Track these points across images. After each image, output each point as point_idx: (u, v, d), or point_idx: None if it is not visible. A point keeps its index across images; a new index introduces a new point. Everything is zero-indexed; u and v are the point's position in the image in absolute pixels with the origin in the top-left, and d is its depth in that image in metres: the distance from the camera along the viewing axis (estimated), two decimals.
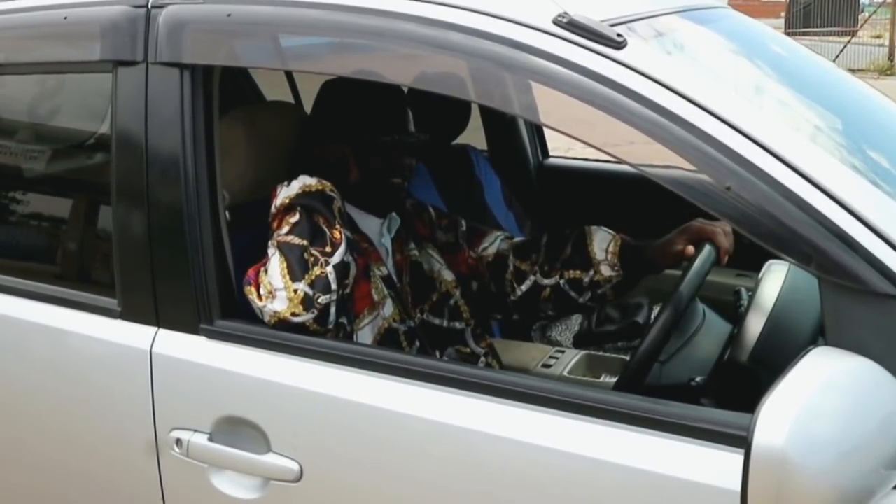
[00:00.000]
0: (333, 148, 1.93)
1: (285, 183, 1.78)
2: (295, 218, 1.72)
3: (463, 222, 2.16)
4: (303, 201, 1.74)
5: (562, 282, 1.99)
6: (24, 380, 1.91)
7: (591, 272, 1.96)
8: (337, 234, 1.72)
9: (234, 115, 1.98)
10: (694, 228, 1.86)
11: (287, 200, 1.75)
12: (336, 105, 1.97)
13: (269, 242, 1.72)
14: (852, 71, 14.90)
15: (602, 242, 1.97)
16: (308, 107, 2.08)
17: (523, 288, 2.04)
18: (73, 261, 2.06)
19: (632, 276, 1.97)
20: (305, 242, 1.68)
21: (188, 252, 1.65)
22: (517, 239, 2.14)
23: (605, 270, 1.95)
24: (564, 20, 1.43)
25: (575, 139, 1.42)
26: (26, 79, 2.05)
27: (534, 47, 1.41)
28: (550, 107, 1.48)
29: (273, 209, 1.77)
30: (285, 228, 1.71)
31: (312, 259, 1.66)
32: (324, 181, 1.78)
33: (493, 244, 2.11)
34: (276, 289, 1.63)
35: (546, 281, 2.01)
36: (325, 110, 2.00)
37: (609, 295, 1.99)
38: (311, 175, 1.79)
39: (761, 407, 1.13)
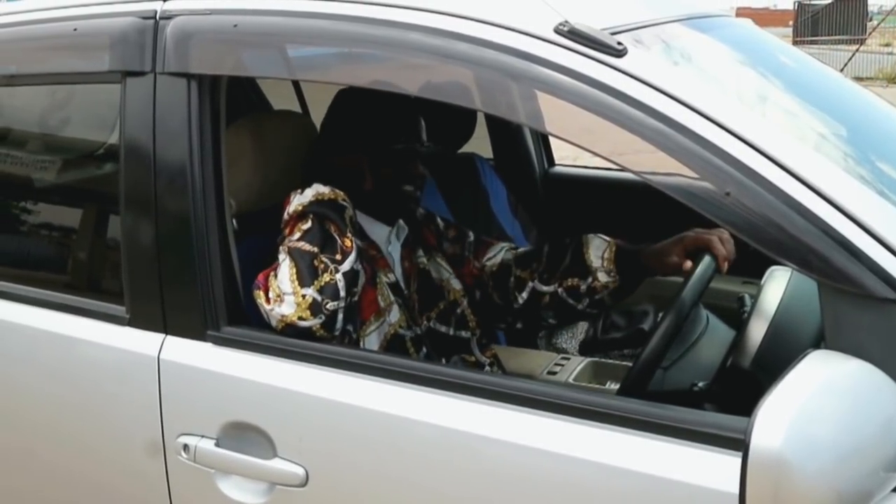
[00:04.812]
0: (350, 157, 1.95)
1: (299, 190, 1.80)
2: (307, 225, 1.74)
3: (471, 234, 2.17)
4: (315, 209, 1.75)
5: (560, 290, 2.01)
6: (34, 386, 1.92)
7: (589, 279, 1.98)
8: (348, 243, 1.74)
9: (241, 124, 2.00)
10: (689, 239, 1.86)
11: (300, 207, 1.76)
12: (351, 114, 1.99)
13: (280, 248, 1.73)
14: (860, 79, 14.90)
15: (598, 250, 1.99)
16: (314, 116, 2.10)
17: (524, 295, 2.06)
18: (82, 269, 2.08)
19: (629, 281, 1.98)
20: (316, 249, 1.70)
21: (195, 260, 1.66)
22: (521, 249, 2.15)
23: (602, 277, 1.97)
24: (565, 29, 1.44)
25: (578, 147, 1.43)
26: (36, 89, 2.07)
27: (535, 55, 1.42)
28: (553, 115, 1.49)
29: (286, 215, 1.79)
30: (297, 235, 1.73)
31: (322, 266, 1.68)
32: (337, 190, 1.80)
33: (497, 254, 2.13)
34: (285, 293, 1.64)
35: (545, 288, 2.03)
36: (339, 120, 2.01)
37: (607, 300, 2.00)
38: (325, 184, 1.80)
39: (759, 410, 1.14)
